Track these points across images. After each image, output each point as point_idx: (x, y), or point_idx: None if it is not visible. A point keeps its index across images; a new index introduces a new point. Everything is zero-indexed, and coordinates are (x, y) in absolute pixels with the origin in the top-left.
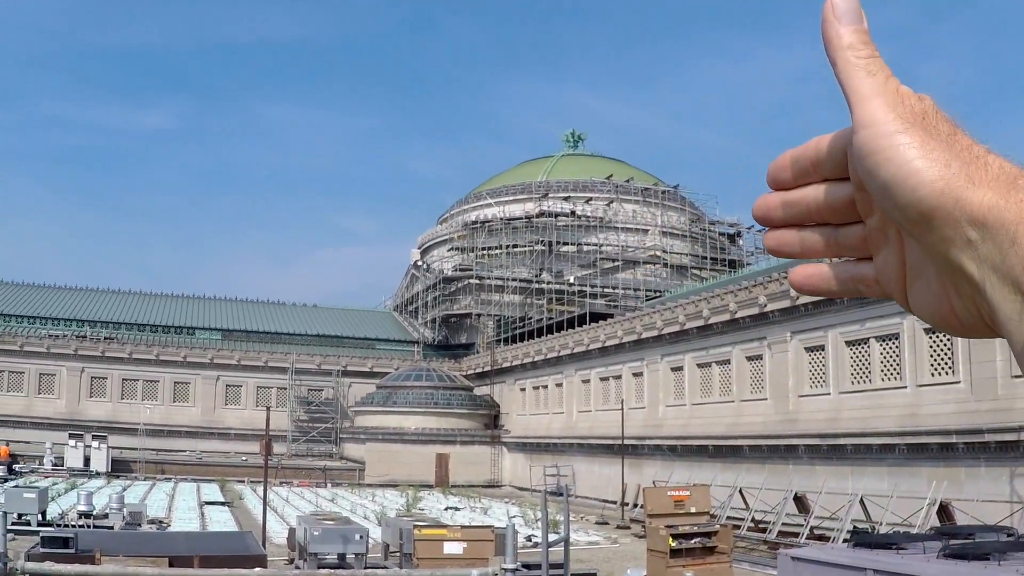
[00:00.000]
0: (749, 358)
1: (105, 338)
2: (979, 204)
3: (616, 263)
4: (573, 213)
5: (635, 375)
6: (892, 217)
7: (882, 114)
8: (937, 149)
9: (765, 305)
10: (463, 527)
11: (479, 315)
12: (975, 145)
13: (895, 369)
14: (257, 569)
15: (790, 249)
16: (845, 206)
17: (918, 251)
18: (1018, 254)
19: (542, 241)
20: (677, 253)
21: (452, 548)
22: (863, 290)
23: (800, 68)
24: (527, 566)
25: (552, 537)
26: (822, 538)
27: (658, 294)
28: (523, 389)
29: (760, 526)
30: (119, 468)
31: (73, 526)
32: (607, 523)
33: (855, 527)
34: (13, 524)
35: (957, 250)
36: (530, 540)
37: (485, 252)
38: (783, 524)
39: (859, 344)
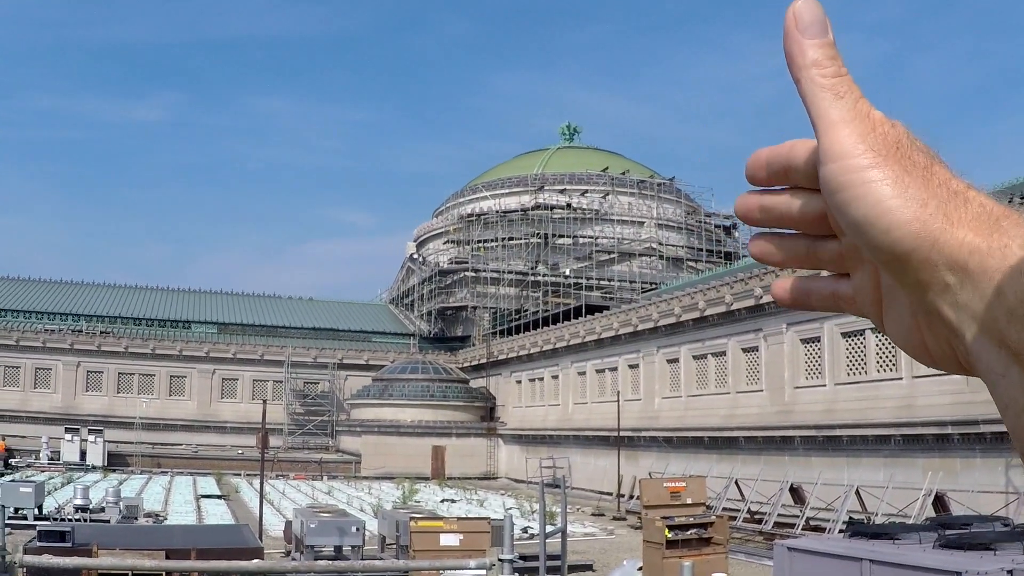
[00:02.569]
0: (745, 350)
1: (101, 332)
2: (959, 247)
3: (612, 255)
4: (569, 206)
5: (631, 367)
6: (865, 254)
7: (852, 145)
8: (913, 185)
9: (761, 297)
10: (459, 519)
11: (475, 308)
12: (954, 179)
13: (891, 360)
14: (254, 561)
15: (773, 258)
16: (819, 219)
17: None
18: (1003, 305)
19: (538, 234)
20: (673, 245)
21: (448, 540)
22: (843, 307)
23: None
24: (524, 557)
25: (548, 529)
26: (818, 529)
27: (654, 286)
28: (519, 381)
29: (756, 517)
30: (115, 462)
31: (70, 520)
32: (603, 515)
33: (851, 518)
34: (10, 518)
35: (934, 294)
36: (526, 532)
37: (481, 245)
38: (779, 515)
39: (855, 336)
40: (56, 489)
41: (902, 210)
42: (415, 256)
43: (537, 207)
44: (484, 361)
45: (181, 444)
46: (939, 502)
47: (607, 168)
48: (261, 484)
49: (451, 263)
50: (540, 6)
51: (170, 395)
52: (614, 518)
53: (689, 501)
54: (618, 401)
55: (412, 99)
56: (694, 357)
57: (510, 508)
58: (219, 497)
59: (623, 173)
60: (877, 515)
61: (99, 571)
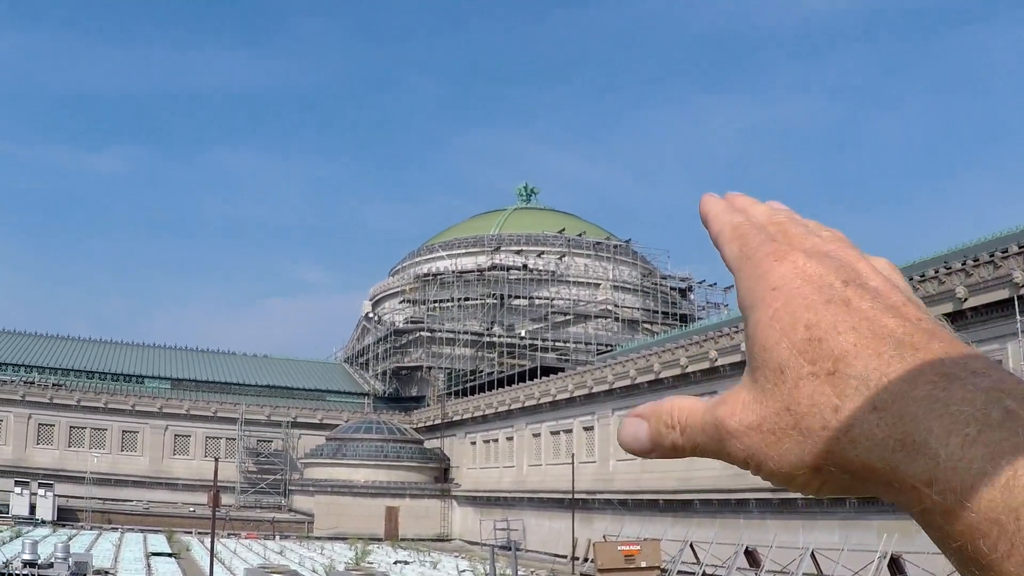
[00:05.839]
0: None
1: (53, 384)
2: None
3: (567, 317)
4: (525, 267)
5: (586, 429)
6: None
7: None
8: None
9: (716, 359)
10: None
11: (430, 368)
12: None
13: None
14: None
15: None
16: None
17: None
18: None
19: (494, 294)
20: (628, 307)
21: None
22: None
23: (752, 123)
24: None
25: None
26: None
27: (609, 348)
28: (473, 443)
29: None
30: (65, 517)
31: (18, 575)
32: None
33: None
34: None
35: None
36: None
37: (437, 305)
38: None
39: None
40: (4, 543)
41: None
42: (370, 315)
43: (493, 268)
44: (439, 422)
45: (132, 500)
46: (895, 564)
47: (563, 229)
48: (212, 543)
49: (406, 323)
50: (505, 67)
51: (122, 450)
52: None
53: (644, 564)
54: (572, 463)
55: (374, 156)
56: None
57: (463, 571)
58: (170, 555)
59: (579, 235)
60: None
61: None
